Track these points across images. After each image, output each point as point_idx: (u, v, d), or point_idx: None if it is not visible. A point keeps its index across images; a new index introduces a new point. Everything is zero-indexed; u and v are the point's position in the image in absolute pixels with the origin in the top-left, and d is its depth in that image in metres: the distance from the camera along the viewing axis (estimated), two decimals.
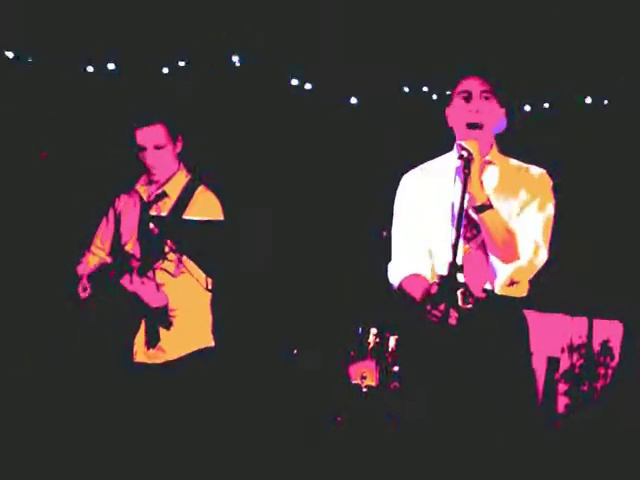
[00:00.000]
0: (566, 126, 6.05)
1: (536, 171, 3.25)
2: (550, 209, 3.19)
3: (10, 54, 5.88)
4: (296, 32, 5.96)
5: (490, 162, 3.23)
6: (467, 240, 3.16)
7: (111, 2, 5.70)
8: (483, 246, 3.14)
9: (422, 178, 3.35)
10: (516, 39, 5.70)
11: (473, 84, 3.20)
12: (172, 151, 3.86)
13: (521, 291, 3.21)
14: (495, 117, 3.21)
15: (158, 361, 3.79)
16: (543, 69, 5.80)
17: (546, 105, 6.13)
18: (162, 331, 3.75)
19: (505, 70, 3.27)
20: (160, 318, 3.75)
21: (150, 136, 3.79)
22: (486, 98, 3.18)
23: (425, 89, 6.16)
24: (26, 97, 5.91)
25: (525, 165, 3.28)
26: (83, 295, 3.79)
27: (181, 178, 3.91)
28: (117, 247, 3.92)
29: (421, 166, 3.40)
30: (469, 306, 3.04)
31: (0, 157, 5.84)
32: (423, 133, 5.63)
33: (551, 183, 3.22)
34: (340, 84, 6.28)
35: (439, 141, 3.32)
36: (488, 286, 3.14)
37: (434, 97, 6.20)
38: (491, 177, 3.22)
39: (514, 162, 3.29)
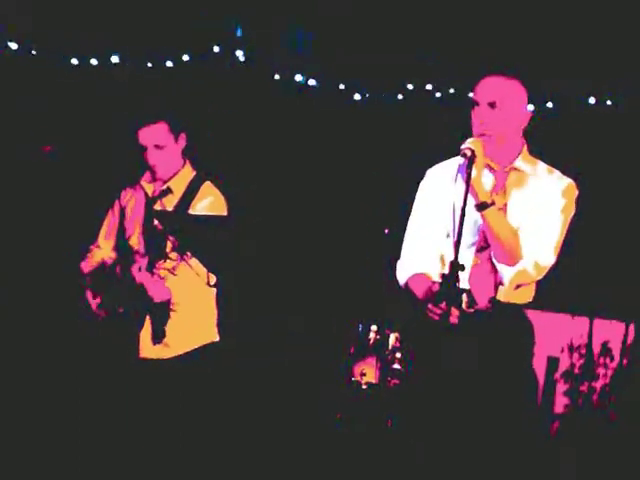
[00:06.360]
0: (569, 126, 6.04)
1: (564, 180, 3.23)
2: (568, 219, 3.20)
3: (14, 45, 5.87)
4: (302, 28, 5.95)
5: (515, 169, 3.22)
6: (478, 250, 3.16)
7: None
8: (492, 258, 3.14)
9: (440, 175, 3.33)
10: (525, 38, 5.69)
11: (481, 92, 3.16)
12: (174, 149, 3.84)
13: (526, 297, 3.21)
14: (505, 124, 3.16)
15: (163, 356, 3.79)
16: (546, 69, 5.79)
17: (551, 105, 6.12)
18: (167, 327, 3.76)
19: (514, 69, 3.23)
20: (162, 313, 3.75)
21: (150, 136, 3.77)
22: (492, 107, 3.14)
23: (430, 87, 6.15)
24: (32, 90, 5.90)
25: (554, 172, 3.26)
26: (93, 294, 3.78)
27: (186, 174, 3.90)
28: (121, 241, 3.92)
29: (443, 162, 3.38)
30: (472, 310, 3.04)
31: (5, 151, 5.83)
32: (435, 133, 5.63)
33: (576, 194, 3.23)
34: (345, 81, 6.27)
35: (450, 142, 3.30)
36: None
37: (437, 95, 6.19)
38: (516, 182, 3.20)
39: (543, 167, 3.27)
